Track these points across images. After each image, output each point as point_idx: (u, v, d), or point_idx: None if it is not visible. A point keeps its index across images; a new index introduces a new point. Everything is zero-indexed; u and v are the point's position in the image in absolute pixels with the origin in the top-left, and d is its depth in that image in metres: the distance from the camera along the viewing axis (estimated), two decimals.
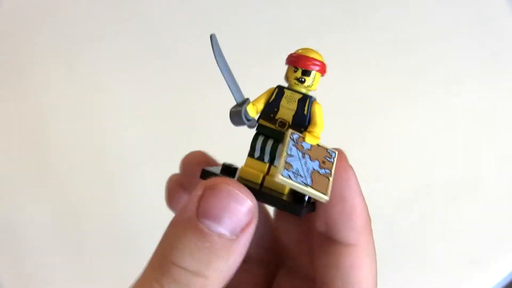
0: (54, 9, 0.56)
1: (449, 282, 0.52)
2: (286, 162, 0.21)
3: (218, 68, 0.22)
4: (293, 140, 0.22)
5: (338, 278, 0.23)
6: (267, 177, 0.23)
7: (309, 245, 0.26)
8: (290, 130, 0.23)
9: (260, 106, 0.24)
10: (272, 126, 0.24)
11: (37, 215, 0.53)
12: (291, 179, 0.21)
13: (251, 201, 0.21)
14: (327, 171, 0.22)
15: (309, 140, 0.23)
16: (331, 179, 0.22)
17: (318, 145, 0.23)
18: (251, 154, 0.24)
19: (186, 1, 0.56)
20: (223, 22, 0.55)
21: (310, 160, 0.22)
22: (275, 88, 0.24)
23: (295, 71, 0.24)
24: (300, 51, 0.24)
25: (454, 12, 0.56)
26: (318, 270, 0.24)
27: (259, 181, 0.23)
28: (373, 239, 0.24)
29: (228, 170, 0.24)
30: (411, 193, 0.53)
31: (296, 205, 0.22)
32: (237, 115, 0.23)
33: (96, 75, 0.55)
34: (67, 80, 0.55)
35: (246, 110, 0.23)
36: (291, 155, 0.22)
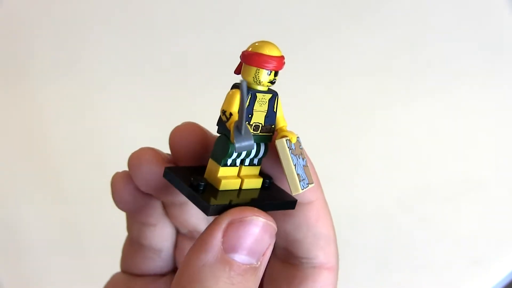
0: (54, 9, 0.56)
1: (449, 282, 0.52)
2: (297, 174, 0.22)
3: (242, 110, 0.20)
4: (289, 148, 0.22)
5: (309, 233, 0.24)
6: (245, 180, 0.23)
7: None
8: (284, 139, 0.22)
9: (235, 115, 0.22)
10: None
11: (37, 215, 0.53)
12: (304, 187, 0.22)
13: (275, 225, 0.21)
14: (305, 160, 0.23)
15: (293, 139, 0.23)
16: (310, 166, 0.23)
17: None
18: (223, 163, 0.23)
19: (186, 1, 0.56)
20: (222, 23, 0.55)
21: (298, 157, 0.23)
22: (249, 95, 0.22)
23: (268, 74, 0.22)
24: (269, 50, 0.22)
25: (454, 12, 0.56)
26: (290, 234, 0.25)
27: (238, 187, 0.23)
28: (321, 187, 0.25)
29: (197, 188, 0.22)
30: (411, 193, 0.53)
31: (289, 202, 0.23)
32: (251, 146, 0.21)
33: (97, 75, 0.55)
34: (67, 80, 0.55)
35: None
36: (295, 165, 0.22)
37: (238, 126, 0.21)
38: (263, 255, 0.21)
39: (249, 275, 0.20)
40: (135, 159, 0.26)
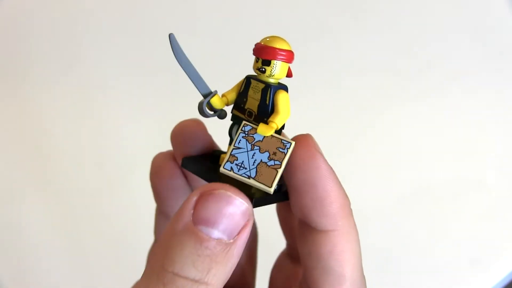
0: (54, 11, 0.56)
1: (449, 282, 0.52)
2: (231, 155, 0.22)
3: (180, 66, 0.23)
4: (244, 132, 0.23)
5: (319, 265, 0.23)
6: None
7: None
8: (244, 122, 0.23)
9: (232, 97, 0.24)
10: (243, 116, 0.24)
11: (37, 215, 0.53)
12: (233, 171, 0.22)
13: (248, 205, 0.21)
14: (277, 162, 0.22)
15: (261, 131, 0.23)
16: (280, 170, 0.22)
17: (272, 136, 0.23)
18: (230, 142, 0.24)
19: (186, 2, 0.56)
20: (223, 24, 0.55)
21: (260, 151, 0.22)
22: (245, 79, 0.24)
23: (257, 61, 0.24)
24: (266, 39, 0.24)
25: (454, 12, 0.56)
26: (302, 258, 0.24)
27: None
28: (353, 223, 0.23)
29: (213, 159, 0.25)
30: (412, 193, 0.53)
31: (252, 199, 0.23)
32: (200, 107, 0.24)
33: (97, 76, 0.55)
34: (66, 80, 0.55)
35: (210, 103, 0.24)
36: (238, 148, 0.22)
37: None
38: (238, 234, 0.20)
39: (218, 251, 0.20)
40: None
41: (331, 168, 0.23)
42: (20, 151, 0.55)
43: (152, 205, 0.51)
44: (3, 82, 0.55)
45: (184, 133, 0.26)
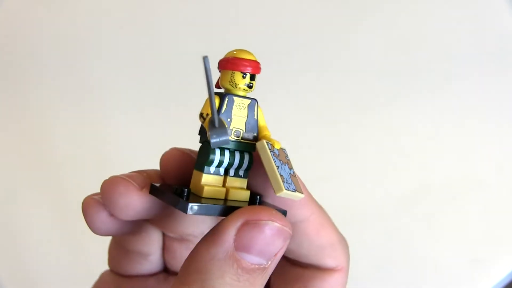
0: (56, 11, 0.56)
1: (449, 282, 0.52)
2: (280, 175, 0.22)
3: (209, 91, 0.20)
4: (271, 150, 0.22)
5: (313, 246, 0.24)
6: (230, 190, 0.23)
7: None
8: (264, 141, 0.22)
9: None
10: (229, 137, 0.23)
11: (37, 215, 0.53)
12: (289, 190, 0.22)
13: (290, 229, 0.21)
14: (292, 170, 0.23)
15: (277, 145, 0.23)
16: (298, 176, 0.23)
17: (280, 148, 0.23)
18: (206, 170, 0.23)
19: (187, 2, 0.56)
20: (222, 24, 0.55)
21: (283, 164, 0.22)
22: (224, 97, 0.23)
23: (244, 77, 0.23)
24: (239, 53, 0.23)
25: (454, 12, 0.56)
26: (295, 251, 0.25)
27: (223, 196, 0.23)
28: (313, 200, 0.24)
29: (179, 193, 0.22)
30: (412, 193, 0.53)
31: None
32: (226, 141, 0.21)
33: (97, 76, 0.55)
34: (67, 80, 0.55)
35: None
36: (278, 166, 0.22)
37: (212, 119, 0.21)
38: (275, 256, 0.21)
39: (256, 275, 0.20)
40: (108, 191, 0.24)
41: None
42: (20, 151, 0.55)
43: None
44: (3, 82, 0.55)
45: (172, 162, 0.25)
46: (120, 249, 0.28)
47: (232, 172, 0.23)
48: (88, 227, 0.26)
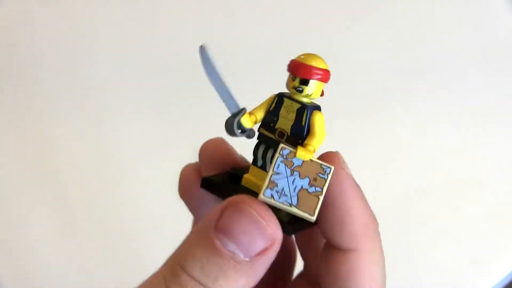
0: (56, 12, 0.56)
1: (449, 282, 0.52)
2: (270, 181, 0.21)
3: (209, 81, 0.21)
4: (282, 156, 0.21)
5: (336, 285, 0.22)
6: None
7: (317, 250, 0.25)
8: (281, 145, 0.22)
9: (260, 115, 0.23)
10: (272, 136, 0.23)
11: (37, 215, 0.53)
12: (273, 198, 0.21)
13: (271, 229, 0.20)
14: (318, 189, 0.21)
15: (300, 155, 0.21)
16: (321, 197, 0.21)
17: (311, 160, 0.22)
18: (254, 162, 0.23)
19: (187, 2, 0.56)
20: (222, 24, 0.55)
21: (300, 177, 0.21)
22: (275, 96, 0.23)
23: (293, 80, 0.22)
24: (301, 57, 0.23)
25: (454, 12, 0.56)
26: (320, 276, 0.23)
27: (259, 190, 0.22)
28: (378, 244, 0.22)
29: (234, 179, 0.24)
30: (412, 194, 0.53)
31: (285, 224, 0.21)
32: (230, 128, 0.22)
33: (97, 76, 0.55)
34: (67, 80, 0.55)
35: (239, 122, 0.22)
36: (277, 173, 0.21)
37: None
38: (257, 255, 0.20)
39: (229, 264, 0.20)
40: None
41: (357, 186, 0.22)
42: (20, 151, 0.55)
43: (152, 205, 0.51)
44: (3, 82, 0.55)
45: (209, 152, 0.26)
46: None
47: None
48: (182, 190, 0.27)
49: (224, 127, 0.22)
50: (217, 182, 0.23)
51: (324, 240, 0.24)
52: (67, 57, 0.56)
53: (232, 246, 0.20)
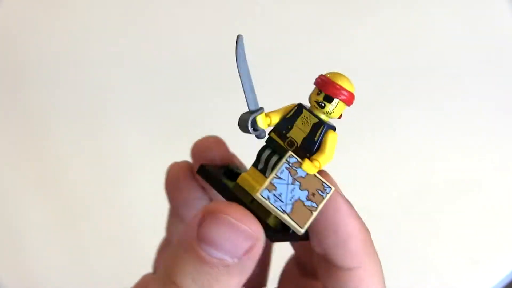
0: (56, 13, 0.56)
1: (449, 282, 0.52)
2: (270, 183, 0.21)
3: (238, 72, 0.21)
4: (288, 163, 0.22)
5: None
6: None
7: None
8: (290, 152, 0.22)
9: (275, 119, 0.23)
10: (281, 143, 0.23)
11: (37, 215, 0.53)
12: (269, 200, 0.21)
13: (252, 230, 0.20)
14: (314, 204, 0.21)
15: (306, 168, 0.22)
16: (315, 213, 0.21)
17: (315, 175, 0.22)
18: (255, 164, 0.23)
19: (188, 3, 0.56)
20: (222, 24, 0.55)
21: (300, 188, 0.21)
22: (296, 105, 0.23)
23: (318, 94, 0.22)
24: (331, 73, 0.23)
25: (454, 12, 0.56)
26: None
27: (253, 192, 0.23)
28: (376, 256, 0.23)
29: (229, 175, 0.24)
30: (412, 193, 0.53)
31: (270, 231, 0.21)
32: (243, 123, 0.22)
33: (97, 75, 0.55)
34: (67, 80, 0.56)
35: (254, 120, 0.22)
36: (279, 178, 0.21)
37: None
38: (244, 254, 0.20)
39: (219, 270, 0.20)
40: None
41: (350, 205, 0.23)
42: (20, 151, 0.55)
43: (152, 205, 0.50)
44: (3, 82, 0.55)
45: (205, 149, 0.26)
46: (177, 217, 0.29)
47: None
48: (169, 188, 0.28)
49: (238, 121, 0.22)
50: (213, 172, 0.23)
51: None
52: (67, 57, 0.56)
53: (217, 253, 0.20)
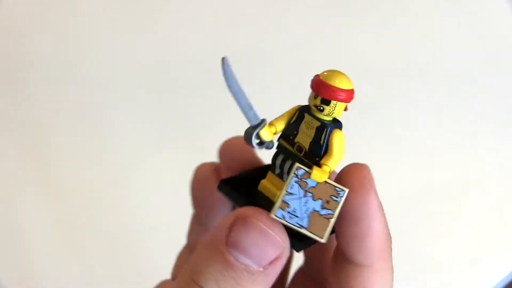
0: (56, 13, 0.56)
1: (449, 282, 0.52)
2: (282, 201, 0.21)
3: (230, 93, 0.20)
4: (297, 176, 0.21)
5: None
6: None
7: (328, 257, 0.25)
8: (296, 165, 0.21)
9: (280, 126, 0.23)
10: (290, 149, 0.23)
11: (37, 215, 0.53)
12: (284, 219, 0.21)
13: (280, 239, 0.21)
14: (329, 212, 0.21)
15: (315, 177, 0.21)
16: (332, 220, 0.21)
17: (325, 182, 0.21)
18: (272, 169, 0.23)
19: (189, 3, 0.56)
20: (222, 24, 0.55)
21: (313, 199, 0.21)
22: (297, 110, 0.23)
23: (315, 98, 0.22)
24: (325, 74, 0.22)
25: (455, 12, 0.56)
26: (329, 286, 0.24)
27: (274, 198, 0.23)
28: (390, 263, 0.23)
29: (250, 182, 0.24)
30: (412, 193, 0.53)
31: (295, 239, 0.22)
32: (248, 139, 0.22)
33: (97, 75, 0.55)
34: (68, 80, 0.55)
35: (258, 134, 0.22)
36: (290, 193, 0.21)
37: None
38: (270, 263, 0.20)
39: (243, 276, 0.20)
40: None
41: (381, 205, 0.22)
42: (20, 151, 0.55)
43: (152, 206, 0.51)
44: (3, 82, 0.55)
45: (232, 150, 0.26)
46: (199, 223, 0.29)
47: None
48: (194, 191, 0.28)
49: (243, 135, 0.22)
50: (233, 188, 0.23)
51: (332, 247, 0.24)
52: (67, 57, 0.56)
53: (244, 259, 0.20)
